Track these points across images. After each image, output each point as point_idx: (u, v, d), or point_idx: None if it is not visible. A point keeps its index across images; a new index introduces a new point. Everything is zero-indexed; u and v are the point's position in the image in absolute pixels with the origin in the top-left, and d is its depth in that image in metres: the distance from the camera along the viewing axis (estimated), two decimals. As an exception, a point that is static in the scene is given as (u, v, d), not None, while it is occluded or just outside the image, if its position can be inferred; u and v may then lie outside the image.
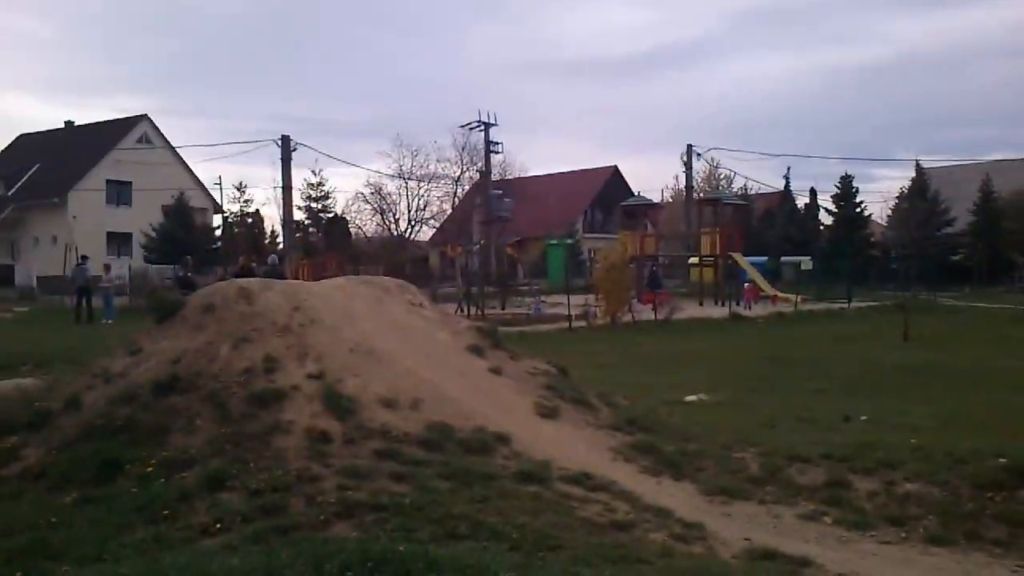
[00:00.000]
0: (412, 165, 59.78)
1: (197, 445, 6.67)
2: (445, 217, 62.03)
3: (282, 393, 7.13)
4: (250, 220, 65.47)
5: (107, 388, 7.61)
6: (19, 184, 53.76)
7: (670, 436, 8.71)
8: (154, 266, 42.93)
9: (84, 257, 30.53)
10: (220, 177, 73.79)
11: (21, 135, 61.79)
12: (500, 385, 8.69)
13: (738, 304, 31.54)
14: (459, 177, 61.75)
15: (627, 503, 6.74)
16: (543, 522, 5.95)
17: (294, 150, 45.59)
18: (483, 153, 53.76)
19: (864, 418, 10.75)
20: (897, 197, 58.25)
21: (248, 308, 8.18)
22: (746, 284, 34.58)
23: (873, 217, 60.47)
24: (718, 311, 30.35)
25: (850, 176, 57.39)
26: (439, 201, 63.30)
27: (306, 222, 61.48)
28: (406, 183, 59.92)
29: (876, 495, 7.47)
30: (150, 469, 6.44)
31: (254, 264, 24.86)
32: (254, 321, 8.00)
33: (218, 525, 5.66)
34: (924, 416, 10.91)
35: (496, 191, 52.11)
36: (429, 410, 7.51)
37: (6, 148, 60.50)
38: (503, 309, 33.15)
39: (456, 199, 61.97)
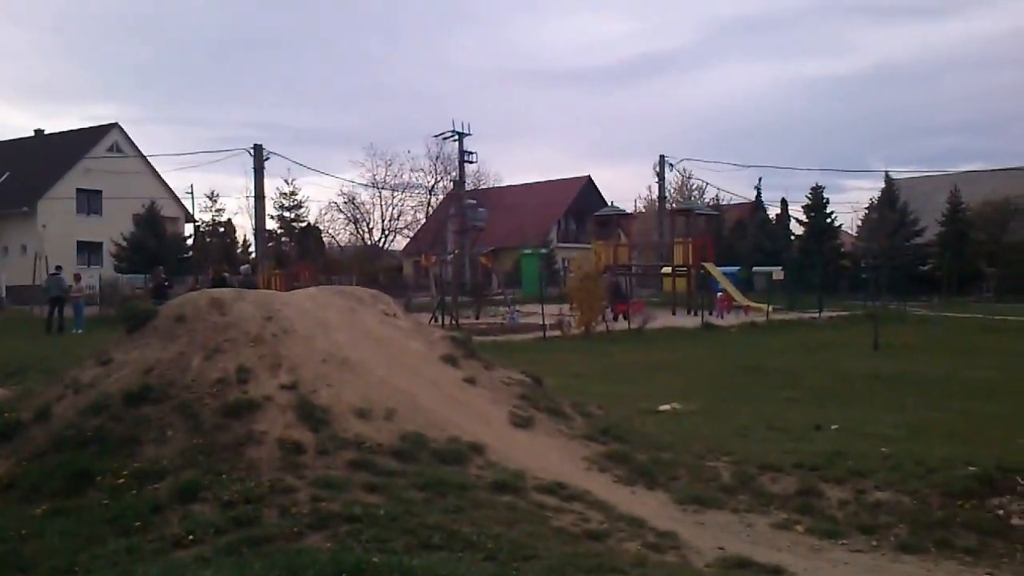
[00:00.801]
0: (386, 174, 59.91)
1: (169, 456, 6.61)
2: (419, 227, 62.09)
3: (255, 404, 7.09)
4: (222, 229, 65.25)
5: (77, 398, 7.54)
6: (-13, 193, 53.13)
7: (644, 445, 8.74)
8: (125, 276, 42.56)
9: (58, 267, 30.26)
10: (192, 186, 73.65)
11: (-10, 143, 61.11)
12: (474, 395, 8.69)
13: (710, 314, 31.70)
14: (433, 187, 61.93)
15: (601, 512, 6.76)
16: (518, 532, 5.95)
17: (266, 159, 45.36)
18: (457, 163, 53.83)
19: (835, 427, 10.83)
20: (867, 208, 59.05)
21: (221, 318, 8.13)
22: (718, 294, 34.78)
23: (843, 227, 61.19)
24: (691, 320, 30.47)
25: (821, 187, 58.15)
26: (413, 211, 63.48)
27: (279, 231, 61.31)
28: (380, 192, 59.97)
29: (847, 504, 7.53)
30: (121, 480, 6.38)
31: (226, 274, 24.75)
32: (227, 331, 7.96)
33: (191, 537, 5.61)
34: (894, 425, 11.01)
35: (470, 201, 52.18)
36: (403, 420, 7.49)
37: (-26, 157, 59.78)
38: (477, 319, 33.12)
39: (430, 209, 62.07)
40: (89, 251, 52.28)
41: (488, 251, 52.27)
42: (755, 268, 48.26)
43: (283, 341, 8.02)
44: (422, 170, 62.95)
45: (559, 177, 70.52)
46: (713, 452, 8.84)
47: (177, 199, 58.40)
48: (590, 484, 7.42)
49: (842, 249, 57.49)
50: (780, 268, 44.38)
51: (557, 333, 25.29)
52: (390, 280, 46.07)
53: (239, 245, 66.13)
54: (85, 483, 6.44)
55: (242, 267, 29.34)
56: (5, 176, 53.78)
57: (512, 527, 6.04)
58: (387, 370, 8.36)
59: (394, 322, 9.53)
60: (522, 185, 69.31)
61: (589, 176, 70.46)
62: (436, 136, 54.64)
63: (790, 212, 61.52)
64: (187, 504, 6.07)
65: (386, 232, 63.31)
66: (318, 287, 11.11)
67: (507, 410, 8.59)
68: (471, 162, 54.69)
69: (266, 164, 45.27)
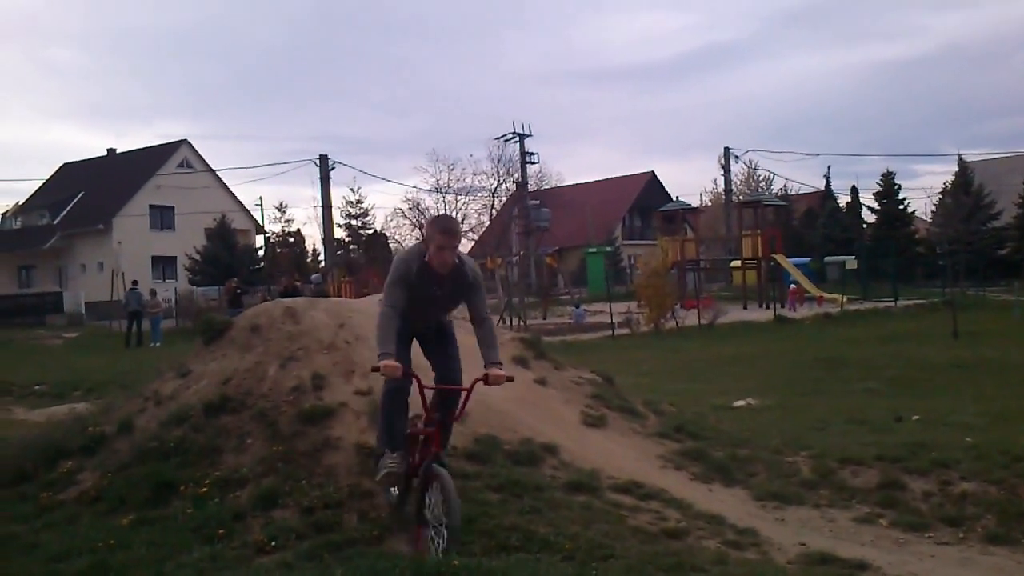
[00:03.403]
0: (449, 179, 60.24)
1: (249, 464, 6.72)
2: (483, 229, 62.29)
3: (331, 410, 7.16)
4: (292, 240, 66.30)
5: (158, 410, 7.70)
6: (64, 212, 54.89)
7: (719, 442, 8.63)
8: (199, 288, 43.54)
9: (135, 282, 31.06)
10: (261, 198, 74.94)
11: (65, 164, 63.19)
12: (546, 395, 8.66)
13: (783, 306, 31.24)
14: (496, 189, 62.07)
15: (678, 511, 6.70)
16: (595, 532, 5.92)
17: (332, 169, 46.13)
18: (519, 164, 53.92)
19: (916, 418, 10.59)
20: (940, 192, 57.58)
21: (294, 327, 8.23)
22: (791, 286, 34.26)
23: (917, 213, 59.81)
24: (763, 314, 30.08)
25: (892, 173, 56.94)
26: (477, 213, 63.67)
27: (346, 239, 62.08)
28: (443, 197, 60.32)
29: (932, 496, 7.35)
30: (204, 489, 6.49)
31: (297, 284, 25.14)
32: (300, 340, 8.05)
33: (273, 543, 5.70)
34: (977, 414, 10.72)
35: (533, 201, 52.19)
36: (475, 423, 7.50)
37: (51, 177, 61.82)
38: (545, 319, 33.14)
39: (493, 211, 62.22)
40: (164, 265, 53.64)
41: (553, 251, 52.23)
42: (827, 258, 47.47)
43: (355, 347, 8.08)
44: (484, 173, 63.19)
45: (622, 174, 70.21)
46: (791, 447, 8.70)
47: (247, 211, 59.60)
48: (666, 482, 7.36)
49: (916, 236, 56.21)
50: (853, 257, 43.57)
51: (626, 331, 25.17)
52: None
53: (308, 254, 67.17)
54: (169, 493, 6.57)
55: (313, 276, 29.78)
56: (80, 195, 55.40)
57: (589, 527, 6.02)
58: (458, 373, 8.38)
59: (462, 324, 9.54)
60: (585, 183, 69.12)
61: (652, 172, 69.96)
62: (497, 138, 54.87)
63: (861, 200, 60.37)
64: (268, 511, 6.15)
65: (451, 236, 63.54)
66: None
67: (579, 410, 8.55)
68: (533, 163, 54.84)
69: (332, 174, 46.01)
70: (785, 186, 66.75)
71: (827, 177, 63.15)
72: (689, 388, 13.71)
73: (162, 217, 54.79)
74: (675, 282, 32.74)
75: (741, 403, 12.10)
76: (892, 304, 32.15)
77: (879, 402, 12.06)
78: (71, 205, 55.26)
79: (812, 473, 7.88)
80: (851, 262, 41.66)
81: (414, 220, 60.97)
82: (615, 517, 6.35)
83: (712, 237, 52.29)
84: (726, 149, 51.67)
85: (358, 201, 63.33)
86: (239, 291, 27.71)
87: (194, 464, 6.86)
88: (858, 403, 11.99)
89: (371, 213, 64.69)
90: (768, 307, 31.86)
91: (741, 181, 66.69)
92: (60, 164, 63.61)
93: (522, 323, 25.13)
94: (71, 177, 59.45)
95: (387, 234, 62.80)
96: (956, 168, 55.98)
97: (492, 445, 7.23)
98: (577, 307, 32.41)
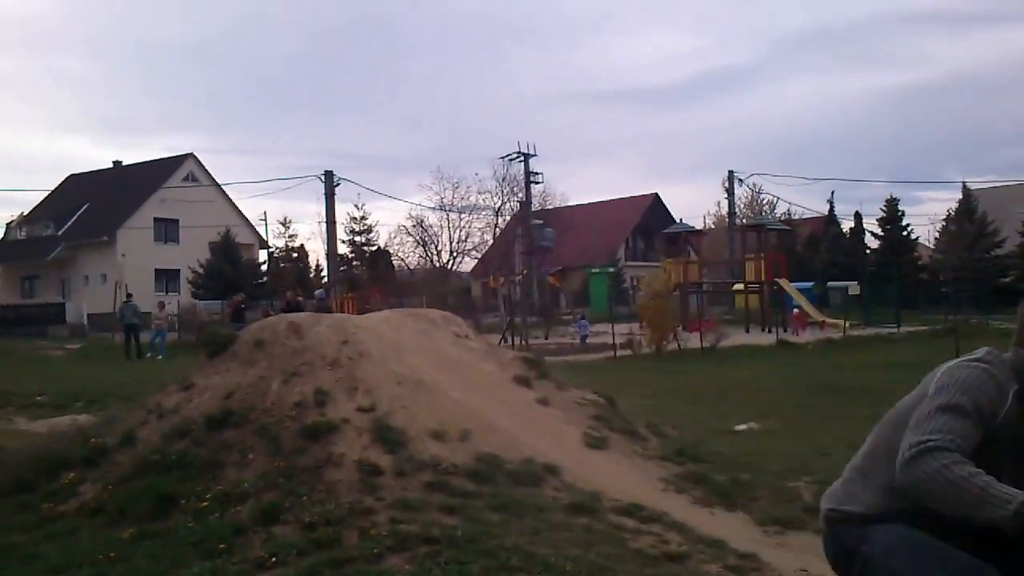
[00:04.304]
0: (453, 197, 60.44)
1: (250, 479, 6.71)
2: (487, 248, 62.40)
3: (333, 426, 7.17)
4: (295, 255, 66.41)
5: (161, 423, 7.71)
6: (69, 223, 55.01)
7: (721, 466, 8.63)
8: (202, 302, 43.56)
9: (129, 295, 31.07)
10: (265, 213, 75.18)
11: (71, 175, 63.31)
12: (548, 415, 8.67)
13: (785, 331, 31.23)
14: (500, 208, 62.24)
15: (680, 534, 6.68)
16: (596, 554, 5.90)
17: (337, 185, 46.22)
18: (523, 184, 54.07)
19: (919, 445, 10.56)
20: (944, 219, 57.66)
21: (298, 343, 8.26)
22: (794, 310, 34.26)
23: (920, 240, 59.84)
24: (765, 338, 30.06)
25: (896, 199, 56.96)
26: (480, 232, 63.82)
27: (350, 255, 62.18)
28: (447, 215, 60.47)
29: (934, 524, 7.32)
30: (205, 504, 6.49)
31: (300, 299, 25.19)
32: (304, 355, 8.07)
33: (273, 559, 5.68)
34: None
35: (537, 221, 52.31)
36: (478, 442, 7.50)
37: (56, 188, 61.95)
38: (547, 339, 33.13)
39: (497, 230, 62.34)
40: (167, 278, 53.72)
41: (556, 271, 52.30)
42: (830, 283, 47.46)
43: (359, 364, 8.11)
44: (489, 192, 63.37)
45: (626, 195, 70.36)
46: (793, 472, 8.70)
47: (251, 226, 59.71)
48: (668, 505, 7.35)
49: (919, 262, 56.23)
50: (856, 283, 43.56)
51: (628, 352, 25.15)
52: (459, 302, 46.32)
53: (312, 270, 67.24)
54: (170, 507, 6.57)
55: (316, 292, 29.88)
56: (85, 207, 55.54)
57: (590, 549, 6.00)
58: (461, 392, 8.39)
59: (466, 344, 9.58)
60: (589, 204, 69.28)
61: (656, 194, 70.08)
62: (502, 158, 55.05)
63: (865, 225, 60.46)
64: (269, 526, 6.14)
65: (454, 254, 63.82)
66: (391, 310, 11.24)
67: (581, 431, 8.55)
68: (537, 182, 55.01)
69: (337, 190, 46.10)
70: (788, 210, 66.86)
71: (831, 202, 63.37)
72: (691, 411, 13.69)
73: (166, 230, 54.94)
74: (678, 304, 32.73)
75: (743, 427, 12.09)
76: (895, 330, 32.10)
77: (881, 429, 12.03)
78: (76, 216, 55.39)
79: (814, 498, 7.82)
80: (854, 287, 41.65)
81: (418, 237, 61.16)
82: (616, 539, 6.34)
83: (715, 260, 52.35)
84: (730, 172, 51.84)
85: (362, 217, 63.52)
86: (243, 306, 27.76)
87: (196, 478, 6.87)
88: (861, 429, 11.75)
89: (375, 230, 64.86)
90: (770, 331, 31.85)
91: (745, 204, 66.77)
92: (66, 175, 63.90)
93: (524, 342, 25.11)
94: (76, 189, 59.59)
95: (391, 251, 62.96)
96: (960, 195, 56.08)
97: (494, 464, 7.22)
98: (581, 319, 32.38)
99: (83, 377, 20.07)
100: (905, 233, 56.88)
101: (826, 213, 63.23)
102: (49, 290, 54.68)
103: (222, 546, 5.94)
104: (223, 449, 7.11)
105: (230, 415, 7.40)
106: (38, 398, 16.11)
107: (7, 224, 61.65)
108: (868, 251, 58.49)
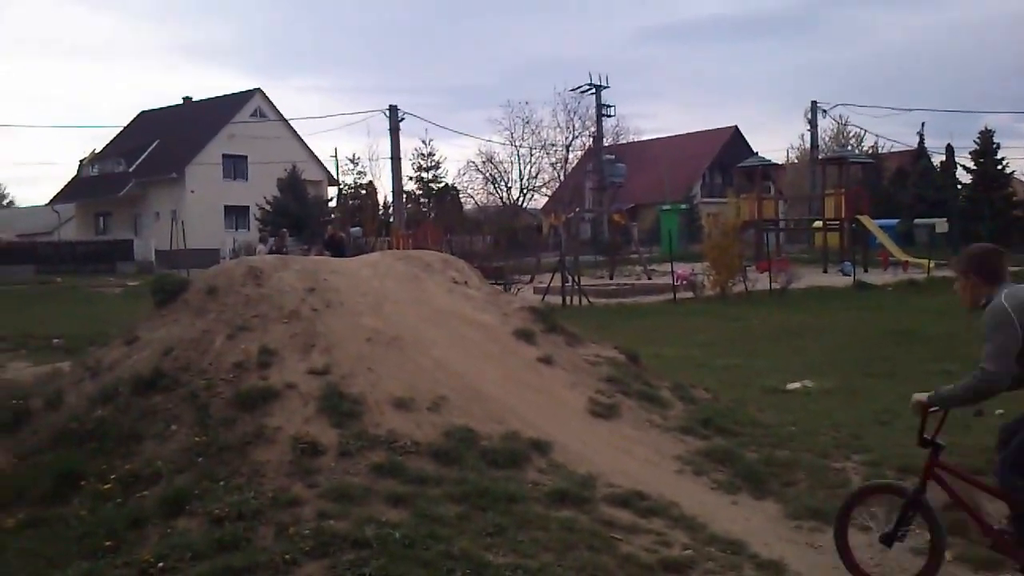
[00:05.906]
0: (523, 132, 58.65)
1: (167, 456, 5.62)
2: (557, 185, 60.72)
3: (272, 392, 5.99)
4: (364, 192, 65.68)
5: (93, 384, 6.67)
6: (139, 160, 55.02)
7: (754, 440, 7.23)
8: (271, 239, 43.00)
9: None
10: (336, 149, 74.61)
11: (142, 112, 63.43)
12: (548, 377, 7.35)
13: (866, 271, 29.25)
14: (570, 143, 60.26)
15: (688, 533, 5.38)
16: (571, 562, 4.70)
17: (402, 120, 45.16)
18: (595, 118, 52.15)
19: (1000, 412, 8.95)
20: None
21: (255, 291, 7.10)
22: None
23: (1016, 174, 56.07)
24: (841, 279, 28.14)
25: (991, 131, 53.12)
26: (551, 168, 62.03)
27: (417, 192, 61.20)
28: (517, 150, 58.86)
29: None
30: (107, 486, 5.43)
31: (343, 235, 24.05)
32: (259, 306, 6.91)
33: (160, 564, 4.58)
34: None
35: (609, 156, 50.47)
36: (453, 411, 6.27)
37: (128, 126, 62.10)
38: (611, 279, 31.70)
39: (568, 166, 60.49)
40: (236, 215, 53.54)
41: (624, 208, 50.42)
42: (916, 220, 44.83)
43: (323, 316, 6.92)
44: (560, 127, 61.38)
45: (704, 128, 67.60)
46: (843, 449, 7.28)
47: (319, 162, 59.03)
48: (679, 493, 6.01)
49: (1014, 198, 52.70)
50: (944, 220, 40.89)
51: (689, 295, 23.61)
52: (528, 239, 44.84)
53: (380, 207, 66.47)
54: (71, 488, 5.53)
55: (353, 229, 28.55)
56: (155, 144, 55.46)
57: (564, 555, 4.79)
58: (446, 349, 7.15)
59: (464, 291, 8.28)
60: (663, 138, 66.76)
61: (736, 127, 67.07)
62: (573, 90, 53.02)
63: (956, 159, 56.93)
64: (171, 519, 5.05)
65: (524, 191, 62.21)
66: (381, 252, 10.01)
67: (587, 396, 7.22)
68: (609, 116, 52.98)
69: (405, 126, 44.93)
70: (876, 144, 63.48)
71: (921, 135, 59.76)
72: (742, 364, 12.25)
73: (235, 166, 54.60)
74: (748, 243, 30.91)
75: (796, 385, 10.60)
76: (985, 271, 29.85)
77: (959, 389, 10.46)
78: (146, 153, 55.38)
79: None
80: (942, 224, 39.08)
81: (487, 174, 59.75)
82: (603, 541, 5.09)
83: (796, 196, 49.88)
84: (813, 103, 48.99)
85: (429, 154, 62.22)
86: (284, 249, 25.91)
87: (109, 452, 5.84)
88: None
89: (442, 167, 63.58)
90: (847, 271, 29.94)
91: (830, 138, 63.54)
92: (138, 112, 63.99)
93: (576, 283, 23.61)
94: (147, 126, 59.59)
95: (459, 188, 61.70)
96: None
97: (466, 440, 5.99)
98: (646, 266, 30.79)
99: (118, 319, 19.39)
100: (1000, 167, 53.26)
101: (916, 146, 59.77)
102: (122, 227, 55.02)
103: (109, 543, 4.92)
104: (146, 417, 6.03)
105: (161, 377, 6.31)
106: (55, 341, 15.42)
107: (80, 161, 62.16)
108: (959, 186, 55.12)
